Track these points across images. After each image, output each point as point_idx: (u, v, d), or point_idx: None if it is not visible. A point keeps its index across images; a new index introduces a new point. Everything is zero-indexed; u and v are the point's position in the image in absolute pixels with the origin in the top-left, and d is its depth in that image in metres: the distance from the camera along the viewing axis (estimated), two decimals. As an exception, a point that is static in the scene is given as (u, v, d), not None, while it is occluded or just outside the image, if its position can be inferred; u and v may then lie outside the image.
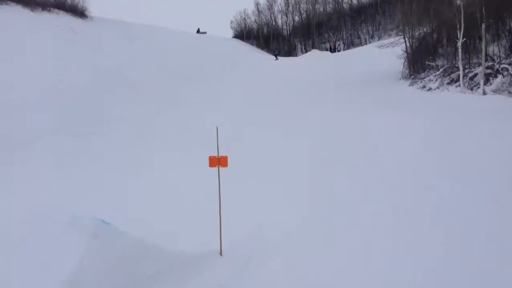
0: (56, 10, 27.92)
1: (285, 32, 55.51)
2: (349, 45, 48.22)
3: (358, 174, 9.28)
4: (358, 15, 51.16)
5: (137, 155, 11.80)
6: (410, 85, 20.62)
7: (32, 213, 5.81)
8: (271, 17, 55.94)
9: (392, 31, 42.03)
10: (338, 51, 44.94)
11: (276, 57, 40.02)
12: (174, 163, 11.05)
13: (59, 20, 26.57)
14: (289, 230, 6.87)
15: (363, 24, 50.10)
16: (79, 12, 29.64)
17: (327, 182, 9.03)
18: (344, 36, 50.55)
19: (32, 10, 25.87)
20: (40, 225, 5.22)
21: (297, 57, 44.00)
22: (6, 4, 24.47)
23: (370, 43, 43.94)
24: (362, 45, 44.20)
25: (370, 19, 49.39)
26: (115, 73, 21.59)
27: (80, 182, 9.68)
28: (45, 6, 27.29)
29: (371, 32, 48.49)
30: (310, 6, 53.86)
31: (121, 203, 8.32)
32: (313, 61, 34.62)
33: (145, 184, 9.61)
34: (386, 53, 28.08)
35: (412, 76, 21.53)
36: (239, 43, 47.70)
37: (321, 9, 54.18)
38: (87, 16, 30.19)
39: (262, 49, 47.96)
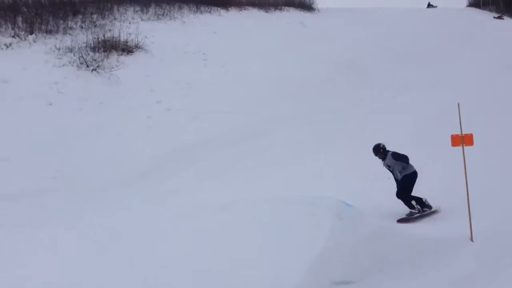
0: (286, 8, 29.90)
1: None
2: None
3: None
4: None
5: (366, 139, 11.78)
6: None
7: (277, 195, 6.29)
8: (516, -24, 48.74)
9: None
10: None
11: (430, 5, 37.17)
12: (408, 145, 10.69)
13: (290, 16, 28.38)
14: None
15: None
16: (307, 6, 31.05)
17: None
18: None
19: (266, 11, 28.33)
20: (287, 206, 5.61)
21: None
22: (245, 9, 27.53)
23: None
24: None
25: None
26: (343, 61, 21.86)
27: (315, 166, 10.11)
28: (277, 6, 29.55)
29: None
30: None
31: (355, 186, 8.43)
32: None
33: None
34: None
35: None
36: (474, 13, 43.01)
37: None
38: (314, 9, 31.41)
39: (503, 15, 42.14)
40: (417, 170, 8.01)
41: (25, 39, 17.06)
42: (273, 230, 5.04)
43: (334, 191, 7.18)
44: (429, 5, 43.44)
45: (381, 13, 32.32)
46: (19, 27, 17.51)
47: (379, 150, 8.43)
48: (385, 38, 26.05)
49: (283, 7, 29.87)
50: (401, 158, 8.09)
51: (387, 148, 8.42)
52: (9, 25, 17.32)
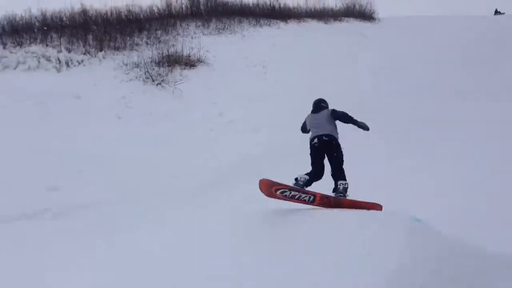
0: (346, 18, 29.63)
1: None
2: None
3: None
4: None
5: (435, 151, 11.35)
6: None
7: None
8: None
9: None
10: None
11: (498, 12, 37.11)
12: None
13: (350, 27, 28.11)
14: None
15: None
16: (367, 16, 30.59)
17: None
18: None
19: (326, 23, 28.21)
20: (358, 222, 5.47)
21: None
22: (304, 21, 27.54)
23: None
24: None
25: None
26: (407, 74, 21.20)
27: (389, 180, 9.80)
28: (336, 17, 29.33)
29: None
30: None
31: (429, 200, 8.11)
32: None
33: (451, 179, 9.17)
34: None
35: None
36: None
37: None
38: (375, 18, 30.89)
39: None
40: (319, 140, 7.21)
41: (95, 56, 17.99)
42: (345, 247, 4.91)
43: (402, 206, 6.93)
44: (497, 12, 41.59)
45: (445, 21, 31.28)
46: (89, 45, 18.48)
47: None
48: (448, 48, 25.06)
49: (342, 17, 29.62)
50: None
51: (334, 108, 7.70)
52: (81, 43, 18.33)
